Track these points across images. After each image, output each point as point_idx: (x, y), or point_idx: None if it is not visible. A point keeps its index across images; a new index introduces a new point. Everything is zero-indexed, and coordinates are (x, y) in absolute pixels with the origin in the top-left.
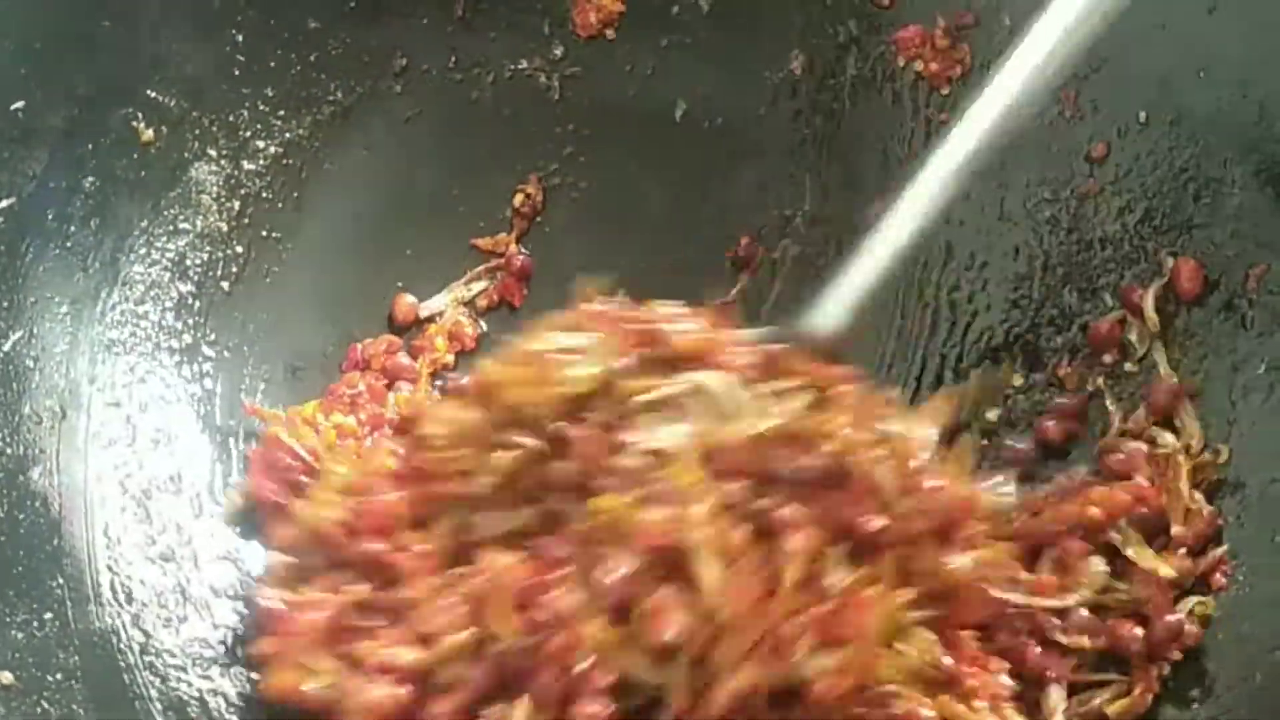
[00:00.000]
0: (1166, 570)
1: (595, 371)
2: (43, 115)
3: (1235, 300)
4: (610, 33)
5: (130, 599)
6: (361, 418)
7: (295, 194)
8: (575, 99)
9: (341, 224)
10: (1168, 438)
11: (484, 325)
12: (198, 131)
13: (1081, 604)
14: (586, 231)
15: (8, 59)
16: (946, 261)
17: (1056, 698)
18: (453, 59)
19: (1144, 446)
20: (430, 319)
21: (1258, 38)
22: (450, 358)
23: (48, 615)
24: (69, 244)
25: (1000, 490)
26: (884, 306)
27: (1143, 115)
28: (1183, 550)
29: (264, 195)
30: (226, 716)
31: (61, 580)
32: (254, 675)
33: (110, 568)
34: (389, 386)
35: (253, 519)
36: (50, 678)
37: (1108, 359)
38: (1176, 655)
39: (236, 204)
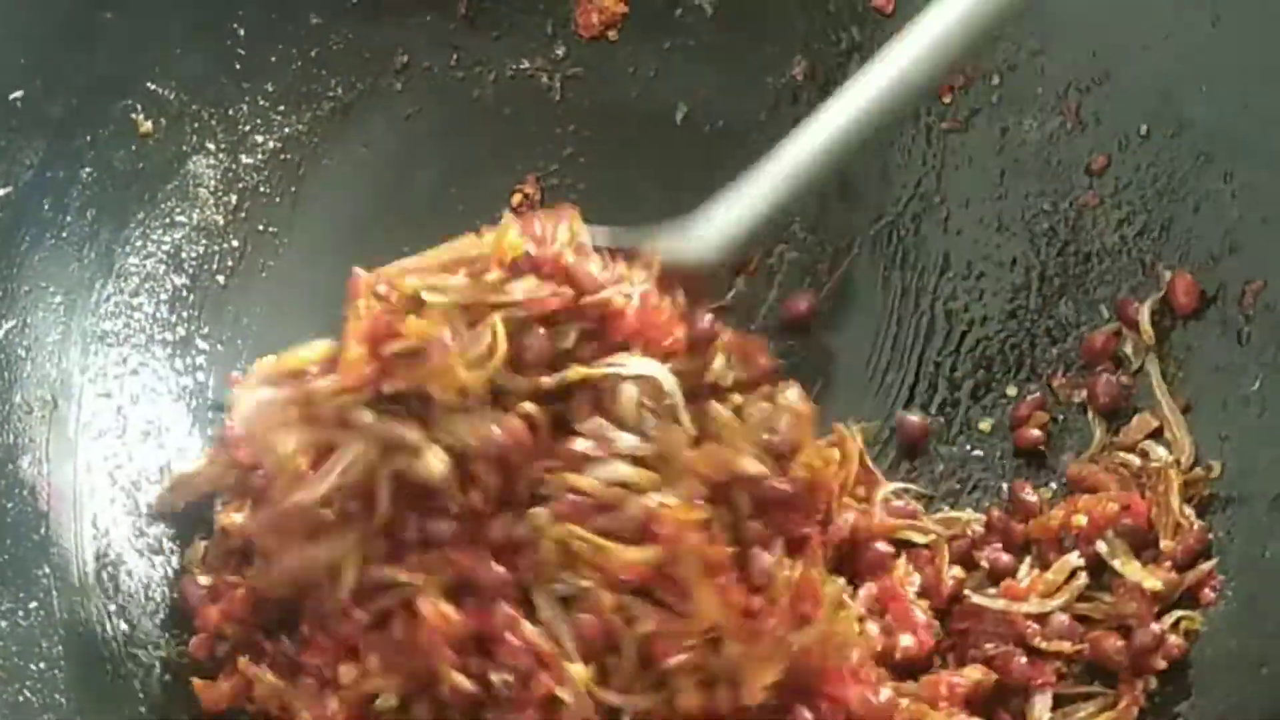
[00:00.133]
0: (1152, 583)
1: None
2: (41, 105)
3: (1231, 315)
4: (612, 34)
5: (117, 590)
6: None
7: (293, 189)
8: (576, 100)
9: (338, 220)
10: (1159, 451)
11: None
12: (196, 125)
13: (1063, 611)
14: None
15: (7, 48)
16: (943, 270)
17: (1041, 706)
18: (454, 57)
19: (1136, 459)
20: None
21: (1260, 51)
22: None
23: (33, 604)
24: (65, 234)
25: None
26: (879, 314)
27: (1144, 128)
28: (1169, 564)
29: (261, 190)
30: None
31: (48, 569)
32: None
33: (97, 558)
34: None
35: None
36: (33, 667)
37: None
38: (1161, 665)
39: (233, 198)
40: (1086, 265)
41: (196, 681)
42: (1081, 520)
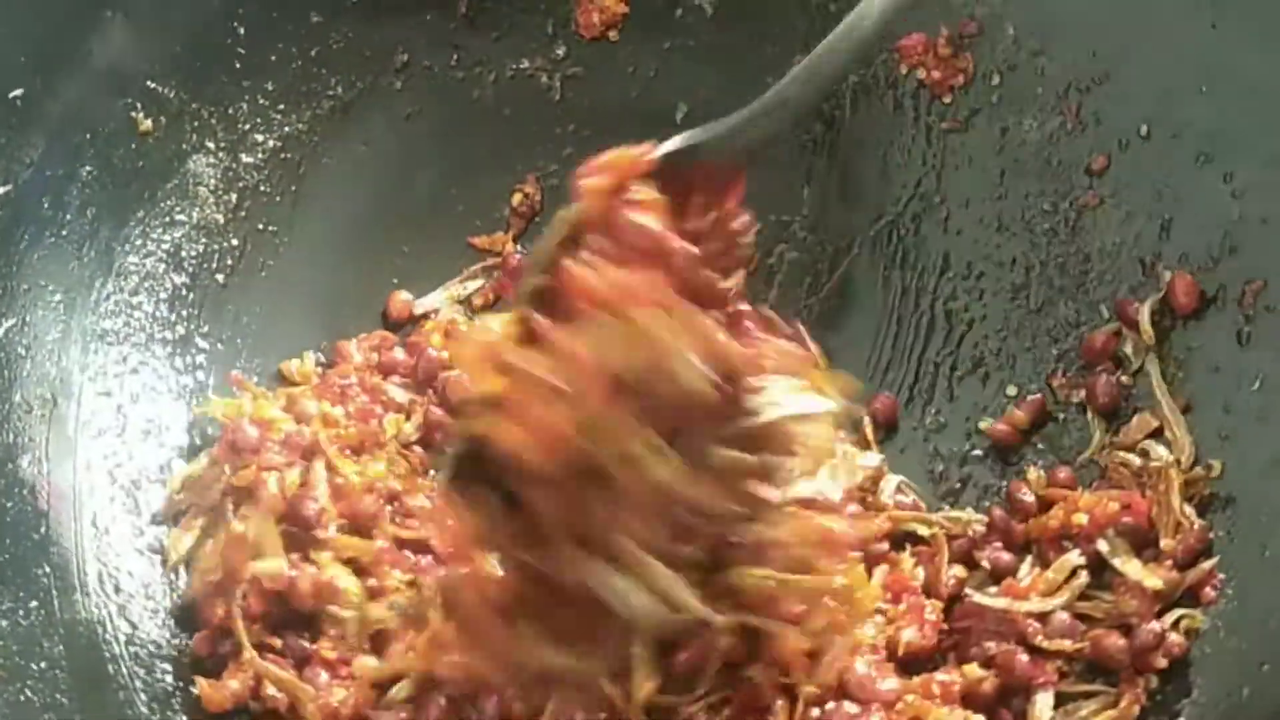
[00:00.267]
0: (1153, 581)
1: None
2: (41, 103)
3: (1231, 316)
4: (613, 34)
5: (117, 589)
6: (350, 410)
7: (293, 188)
8: (576, 99)
9: (338, 219)
10: (1160, 451)
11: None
12: (196, 123)
13: (1064, 609)
14: None
15: (7, 46)
16: (943, 270)
17: (1043, 705)
18: (454, 57)
19: (1136, 459)
20: (424, 316)
21: (1259, 51)
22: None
23: (33, 604)
24: (64, 232)
25: None
26: (879, 314)
27: (1144, 128)
28: (1169, 563)
29: (261, 189)
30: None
31: (48, 569)
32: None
33: (98, 558)
34: (383, 380)
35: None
36: (34, 666)
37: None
38: (1162, 664)
39: (233, 197)
40: (1086, 265)
41: (201, 682)
42: (1082, 519)
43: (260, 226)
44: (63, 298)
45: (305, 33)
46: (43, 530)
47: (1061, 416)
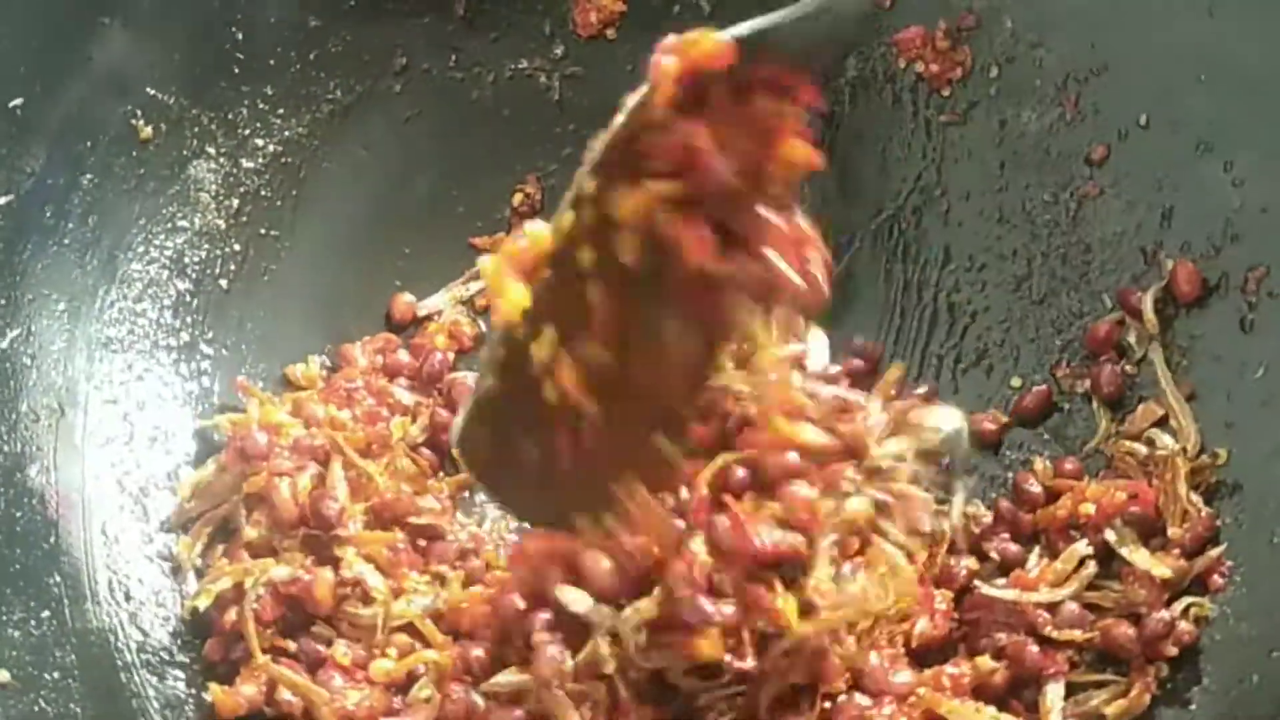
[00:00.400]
0: (1161, 570)
1: None
2: (41, 112)
3: (1234, 303)
4: (611, 33)
5: (128, 597)
6: (357, 413)
7: (294, 192)
8: (575, 99)
9: (340, 223)
10: (1166, 439)
11: (482, 325)
12: (196, 129)
13: (1073, 600)
14: None
15: (7, 55)
16: (945, 263)
17: (1054, 695)
18: (453, 58)
19: (1142, 448)
20: (428, 318)
21: (1257, 39)
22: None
23: (45, 613)
24: (67, 241)
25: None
26: (881, 307)
27: (1143, 118)
28: (1177, 551)
29: (262, 193)
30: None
31: (59, 578)
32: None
33: (108, 566)
34: (389, 383)
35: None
36: (47, 676)
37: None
38: (1172, 652)
39: (235, 202)
40: (1088, 255)
41: (214, 688)
42: (1089, 509)
43: (262, 231)
44: (67, 306)
45: (304, 37)
46: (52, 539)
47: (1066, 407)
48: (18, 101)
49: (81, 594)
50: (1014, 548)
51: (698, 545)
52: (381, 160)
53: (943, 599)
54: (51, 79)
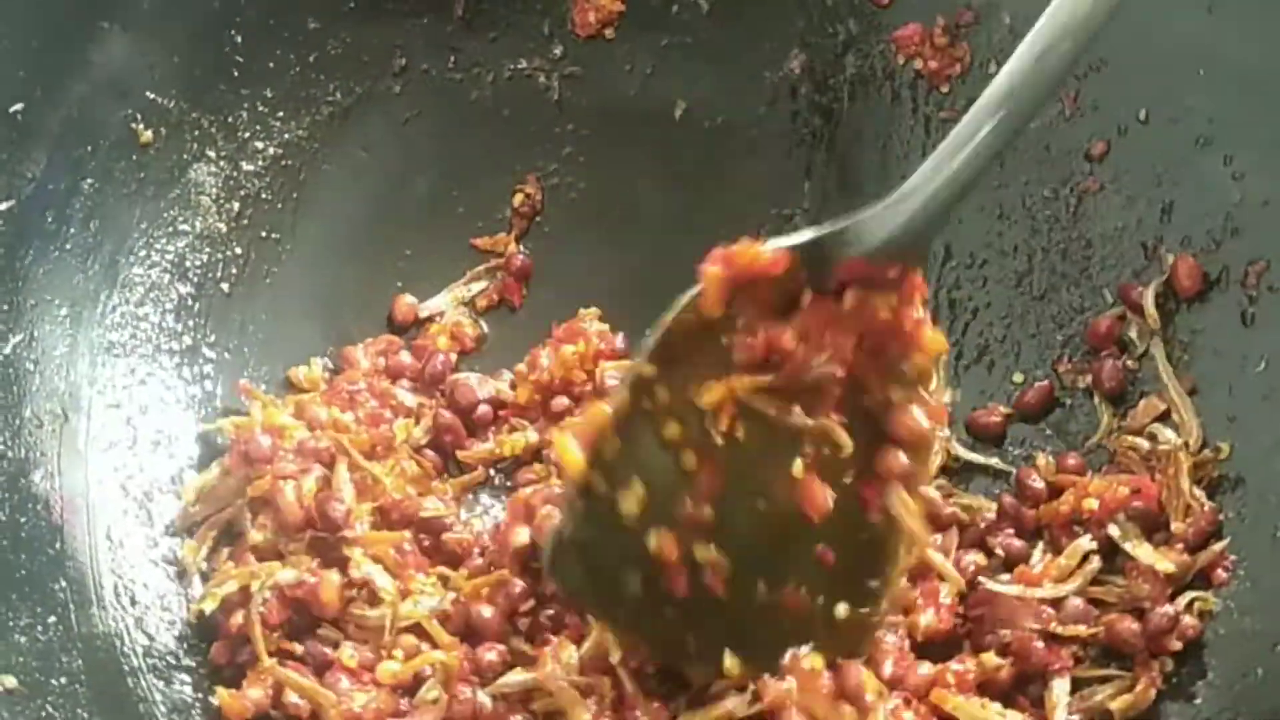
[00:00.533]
0: (1165, 565)
1: None
2: (41, 117)
3: (1235, 297)
4: (609, 32)
5: (133, 602)
6: (359, 415)
7: (294, 195)
8: (574, 99)
9: (340, 225)
10: (1168, 434)
11: (484, 325)
12: (196, 133)
13: (1077, 595)
14: (586, 231)
15: (6, 60)
16: (945, 260)
17: (1060, 691)
18: (452, 59)
19: (1145, 443)
20: (429, 319)
21: (1257, 34)
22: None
23: (51, 619)
24: (68, 246)
25: None
26: None
27: (1143, 113)
28: (1180, 546)
29: (263, 196)
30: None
31: (64, 584)
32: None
33: (113, 570)
34: (391, 384)
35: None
36: (54, 682)
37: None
38: (1176, 647)
39: (235, 205)
40: (1089, 250)
41: (222, 691)
42: (1092, 504)
43: (263, 234)
44: (69, 311)
45: (303, 39)
46: (57, 545)
47: (1068, 402)
48: (18, 106)
49: (87, 599)
50: (1018, 543)
51: None
52: (381, 161)
53: (948, 592)
54: (51, 83)
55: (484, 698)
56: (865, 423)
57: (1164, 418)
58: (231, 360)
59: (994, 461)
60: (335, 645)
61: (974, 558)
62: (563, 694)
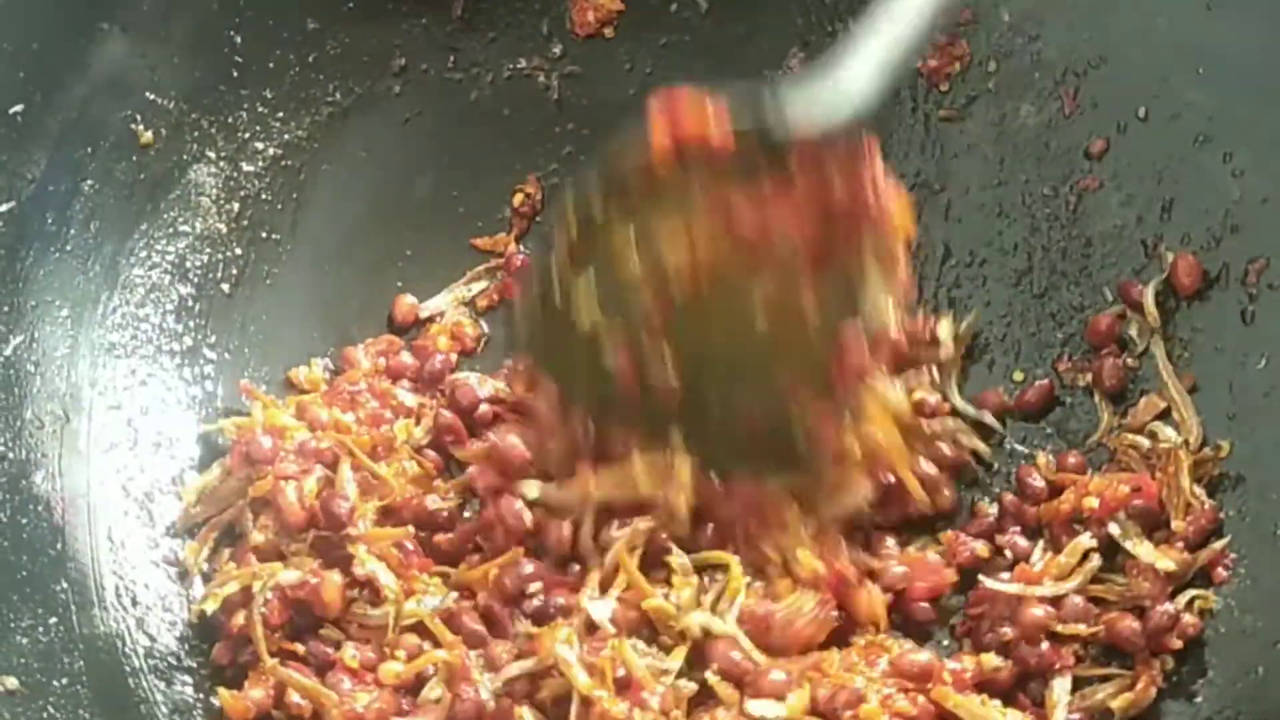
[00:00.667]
0: (1165, 563)
1: None
2: (41, 118)
3: (1235, 295)
4: (609, 31)
5: (135, 603)
6: (360, 415)
7: (294, 195)
8: (574, 98)
9: (340, 225)
10: (1169, 432)
11: (484, 325)
12: (196, 133)
13: (1078, 593)
14: None
15: (6, 62)
16: (945, 258)
17: (1060, 689)
18: (451, 59)
19: (1145, 441)
20: (430, 319)
21: (1256, 30)
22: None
23: (52, 620)
24: (69, 247)
25: None
26: None
27: (1142, 110)
28: (1181, 544)
29: (263, 197)
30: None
31: (65, 585)
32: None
33: (114, 572)
34: (392, 385)
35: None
36: (55, 683)
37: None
38: (1177, 645)
39: (236, 206)
40: (1089, 249)
41: (223, 692)
42: (1093, 503)
43: (263, 235)
44: (69, 312)
45: (302, 39)
46: (59, 546)
47: (1068, 401)
48: (18, 108)
49: (88, 600)
50: (1023, 543)
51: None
52: (381, 162)
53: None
54: (51, 85)
55: (487, 696)
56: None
57: (1164, 416)
58: (232, 361)
59: (986, 416)
60: (337, 645)
61: (977, 545)
62: (569, 670)
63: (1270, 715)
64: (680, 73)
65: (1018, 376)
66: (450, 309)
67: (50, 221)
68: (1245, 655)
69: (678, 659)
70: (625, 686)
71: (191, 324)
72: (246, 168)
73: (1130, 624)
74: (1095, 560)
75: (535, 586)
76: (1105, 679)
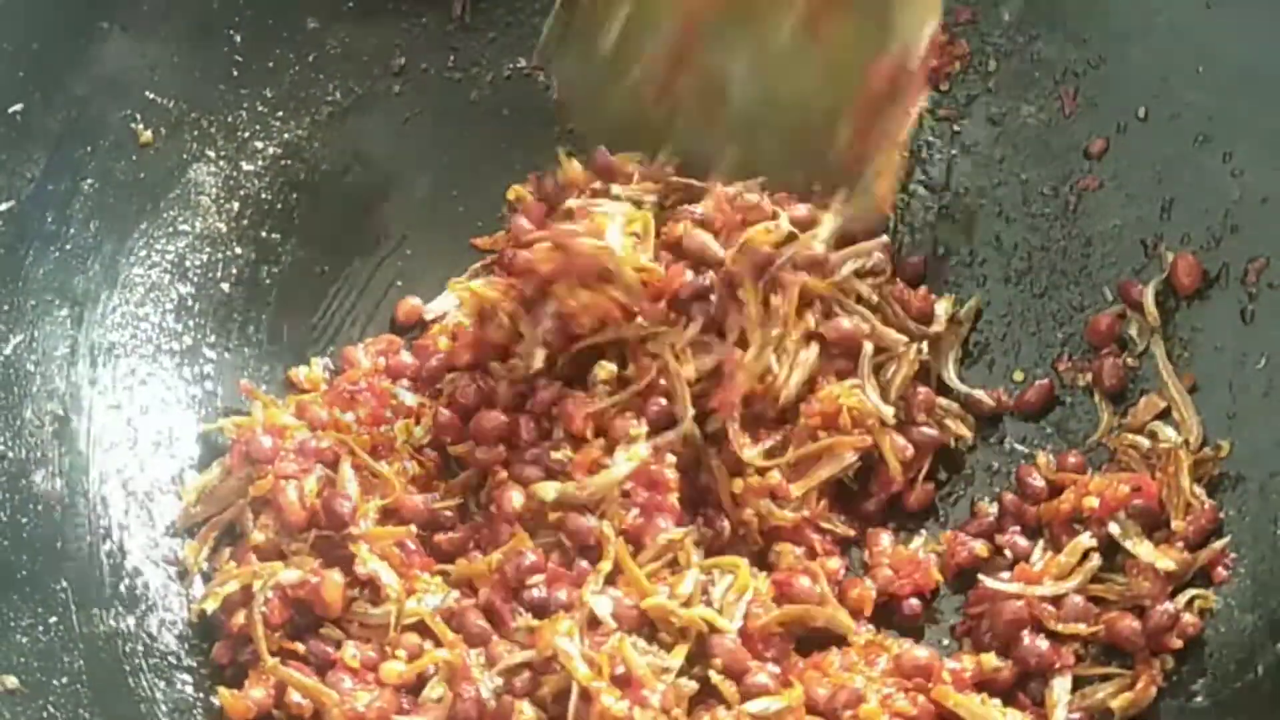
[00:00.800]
0: (1165, 563)
1: None
2: (41, 117)
3: (1235, 294)
4: None
5: (135, 602)
6: (360, 415)
7: (294, 195)
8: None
9: (340, 225)
10: (1169, 432)
11: None
12: (196, 133)
13: (1078, 593)
14: None
15: (5, 61)
16: (945, 258)
17: (1060, 689)
18: (451, 59)
19: (1145, 441)
20: (433, 320)
21: (1254, 31)
22: None
23: (52, 619)
24: (68, 246)
25: None
26: None
27: (1142, 110)
28: (1181, 544)
29: (263, 196)
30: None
31: (65, 584)
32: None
33: (114, 571)
34: (392, 384)
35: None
36: (55, 682)
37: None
38: (1176, 644)
39: (235, 205)
40: (1088, 248)
41: (224, 691)
42: (1093, 502)
43: (263, 234)
44: (69, 312)
45: (302, 39)
46: (59, 545)
47: (1069, 400)
48: (18, 107)
49: (88, 599)
50: (1024, 542)
51: None
52: (381, 161)
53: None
54: (51, 84)
55: (488, 694)
56: None
57: (1164, 415)
58: (232, 360)
59: (978, 392)
60: (338, 645)
61: (976, 544)
62: (569, 662)
63: (1269, 715)
64: None
65: (1018, 376)
66: (453, 311)
67: (50, 221)
68: (1244, 654)
69: (678, 657)
70: (625, 684)
71: (191, 323)
72: (246, 167)
73: (1130, 623)
74: (1095, 560)
75: (537, 578)
76: (1105, 678)
